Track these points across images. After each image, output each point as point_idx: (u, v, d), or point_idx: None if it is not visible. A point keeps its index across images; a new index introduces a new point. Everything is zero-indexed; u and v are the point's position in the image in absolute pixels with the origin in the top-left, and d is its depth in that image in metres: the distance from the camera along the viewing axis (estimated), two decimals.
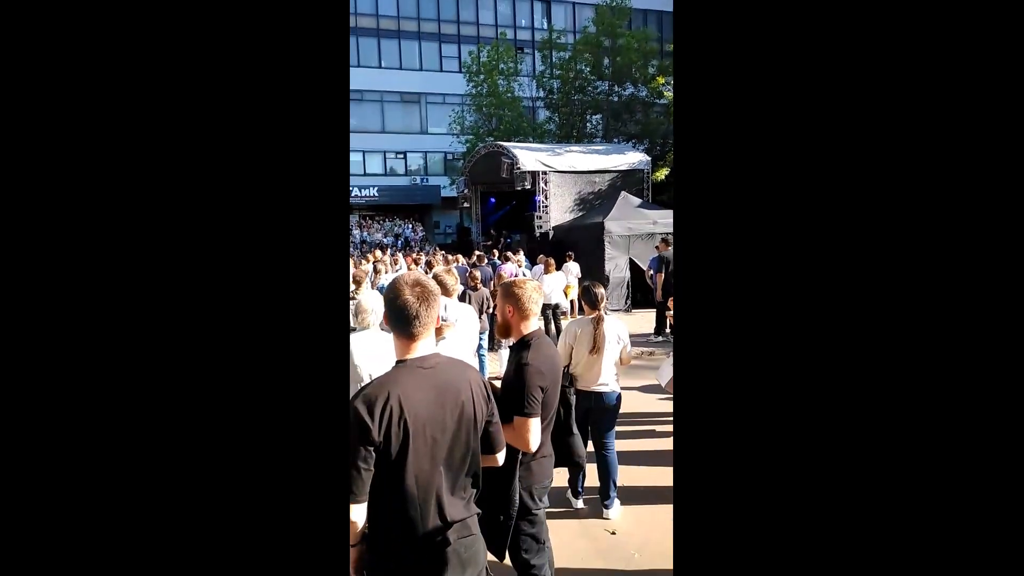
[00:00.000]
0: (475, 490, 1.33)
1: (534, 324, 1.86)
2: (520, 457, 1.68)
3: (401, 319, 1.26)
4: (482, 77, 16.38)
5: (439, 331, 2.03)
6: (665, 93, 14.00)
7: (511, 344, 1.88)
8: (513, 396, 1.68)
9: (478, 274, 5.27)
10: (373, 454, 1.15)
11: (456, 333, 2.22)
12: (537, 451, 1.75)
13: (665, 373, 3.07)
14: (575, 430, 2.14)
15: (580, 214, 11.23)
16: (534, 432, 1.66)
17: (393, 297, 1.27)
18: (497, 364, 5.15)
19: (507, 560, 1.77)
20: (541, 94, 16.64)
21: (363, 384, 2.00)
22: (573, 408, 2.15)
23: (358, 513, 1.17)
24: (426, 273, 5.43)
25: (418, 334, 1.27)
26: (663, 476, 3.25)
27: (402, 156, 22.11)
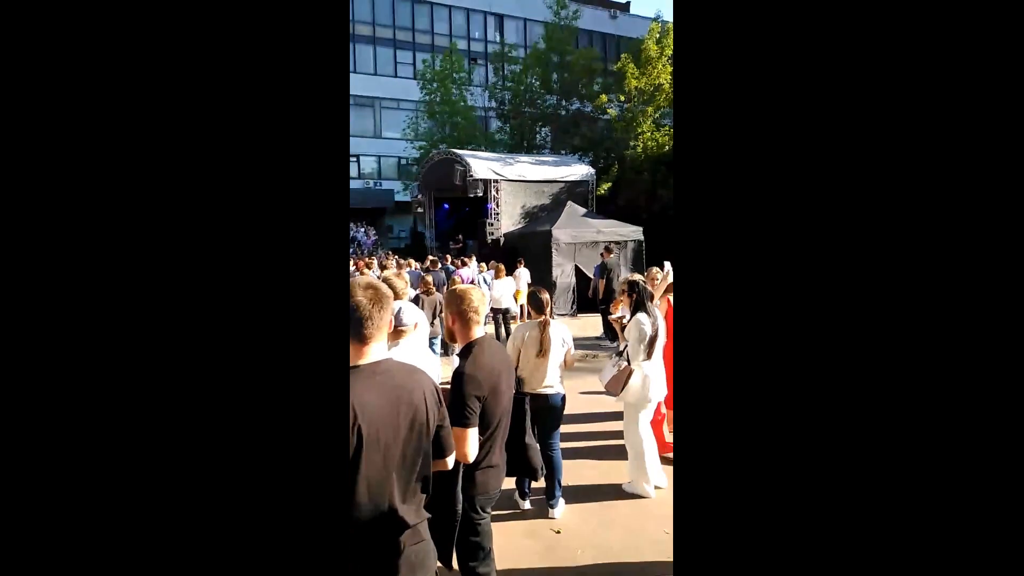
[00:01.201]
0: (424, 495, 1.35)
1: (478, 331, 1.85)
2: (463, 467, 1.66)
3: (353, 321, 1.26)
4: (435, 84, 16.39)
5: (400, 334, 2.03)
6: (608, 110, 14.63)
7: (458, 351, 1.89)
8: (452, 405, 1.62)
9: (430, 279, 5.28)
10: None
11: (411, 338, 2.24)
12: (482, 461, 1.74)
13: (606, 374, 3.24)
14: (530, 440, 2.14)
15: (529, 222, 11.49)
16: (471, 443, 1.63)
17: None
18: (449, 368, 5.15)
19: (455, 565, 1.78)
20: (493, 104, 16.87)
21: None
22: (528, 418, 2.16)
23: None
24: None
25: (370, 336, 1.28)
26: (606, 474, 3.39)
27: (355, 159, 21.56)
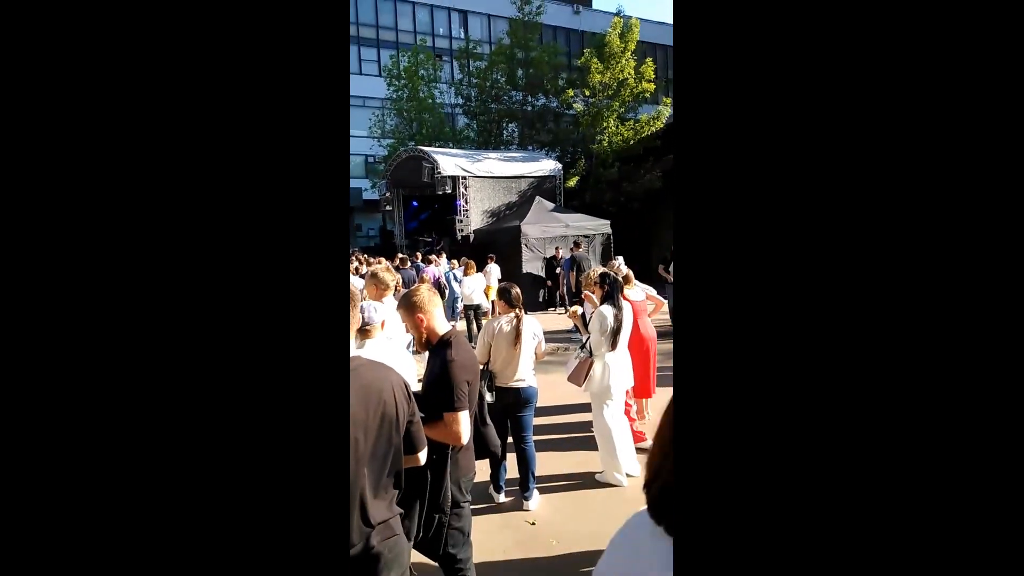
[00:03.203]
0: (397, 491, 1.37)
1: (445, 322, 1.95)
2: (449, 452, 1.75)
3: None
4: (403, 81, 16.19)
5: (367, 334, 2.03)
6: (574, 105, 14.80)
7: (431, 346, 1.93)
8: (441, 393, 1.74)
9: (400, 277, 5.22)
10: None
11: (379, 337, 2.23)
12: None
13: (570, 366, 3.32)
14: (488, 420, 2.25)
15: (498, 218, 11.55)
16: (464, 425, 1.74)
17: None
18: (421, 366, 5.13)
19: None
20: (460, 101, 16.80)
21: None
22: (485, 400, 2.26)
23: None
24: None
25: None
26: (579, 465, 3.47)
27: None
